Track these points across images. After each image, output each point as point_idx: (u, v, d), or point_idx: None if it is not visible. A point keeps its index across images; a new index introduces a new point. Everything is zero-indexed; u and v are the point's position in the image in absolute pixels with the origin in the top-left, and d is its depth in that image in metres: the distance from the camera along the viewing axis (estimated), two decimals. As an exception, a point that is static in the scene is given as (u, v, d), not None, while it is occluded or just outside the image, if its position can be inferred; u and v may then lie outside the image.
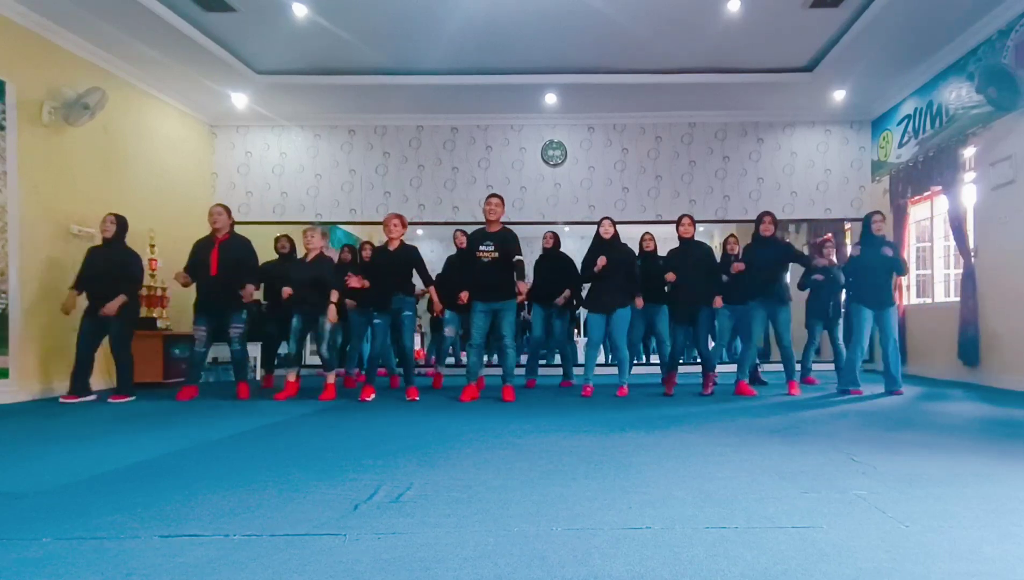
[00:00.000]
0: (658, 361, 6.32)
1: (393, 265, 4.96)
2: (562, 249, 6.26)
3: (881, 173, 7.64)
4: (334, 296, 5.05)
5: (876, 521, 1.82)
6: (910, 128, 7.00)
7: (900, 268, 5.21)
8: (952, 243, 6.37)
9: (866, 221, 5.31)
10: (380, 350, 5.03)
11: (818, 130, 7.98)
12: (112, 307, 4.92)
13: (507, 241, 4.92)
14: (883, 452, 2.81)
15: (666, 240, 5.85)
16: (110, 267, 5.01)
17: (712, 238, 8.81)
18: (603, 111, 7.84)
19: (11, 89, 5.09)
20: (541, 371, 6.54)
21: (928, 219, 7.11)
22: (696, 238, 5.43)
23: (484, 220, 5.08)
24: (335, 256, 6.37)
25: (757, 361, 6.18)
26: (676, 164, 8.00)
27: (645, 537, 1.69)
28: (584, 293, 5.87)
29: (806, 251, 7.21)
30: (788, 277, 5.50)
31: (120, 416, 4.20)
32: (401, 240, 5.04)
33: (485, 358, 6.40)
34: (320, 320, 5.14)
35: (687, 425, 3.65)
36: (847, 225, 8.19)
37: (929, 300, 7.10)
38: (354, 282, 4.98)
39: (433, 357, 7.37)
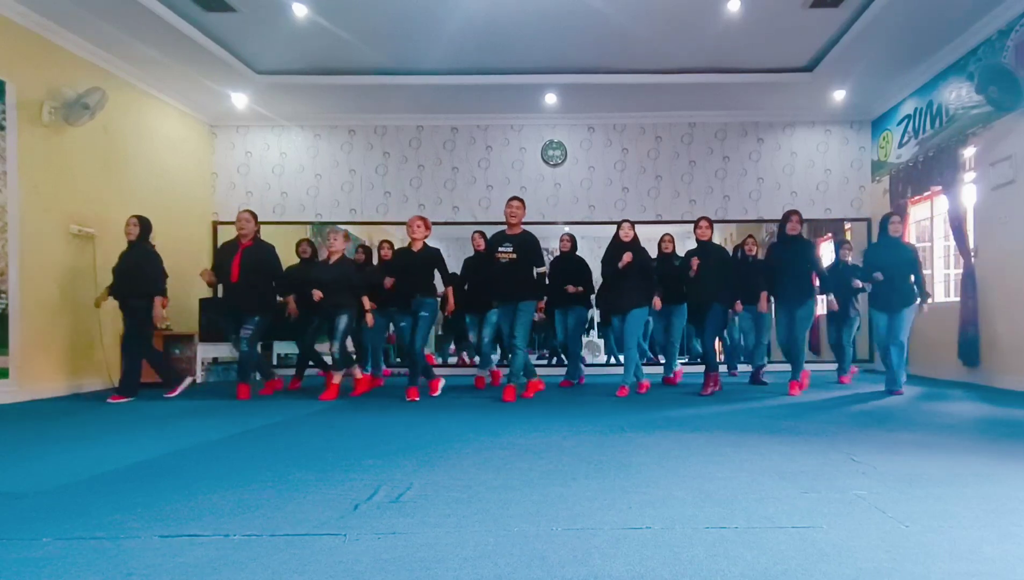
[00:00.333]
0: (664, 361, 6.41)
1: (416, 266, 5.00)
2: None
3: (881, 173, 7.64)
4: (367, 304, 5.15)
5: (876, 521, 1.82)
6: (910, 128, 7.00)
7: (919, 275, 5.18)
8: (952, 243, 6.37)
9: (884, 222, 5.31)
10: (411, 350, 5.05)
11: (818, 130, 7.98)
12: (159, 313, 5.10)
13: (527, 245, 5.00)
14: (883, 452, 2.81)
15: (650, 241, 5.87)
16: (128, 268, 5.11)
17: (713, 238, 8.79)
18: (603, 111, 7.83)
19: (11, 89, 5.09)
20: (543, 371, 6.55)
21: (928, 219, 7.11)
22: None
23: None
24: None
25: (765, 361, 6.23)
26: (676, 164, 7.99)
27: (645, 537, 1.69)
28: (595, 294, 5.99)
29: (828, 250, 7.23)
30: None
31: (120, 416, 4.21)
32: (424, 242, 5.08)
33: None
34: (338, 319, 5.15)
35: (687, 425, 3.65)
36: (847, 225, 8.19)
37: (929, 300, 7.09)
38: (388, 283, 5.14)
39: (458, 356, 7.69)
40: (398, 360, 8.13)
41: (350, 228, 8.85)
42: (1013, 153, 5.41)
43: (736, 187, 7.96)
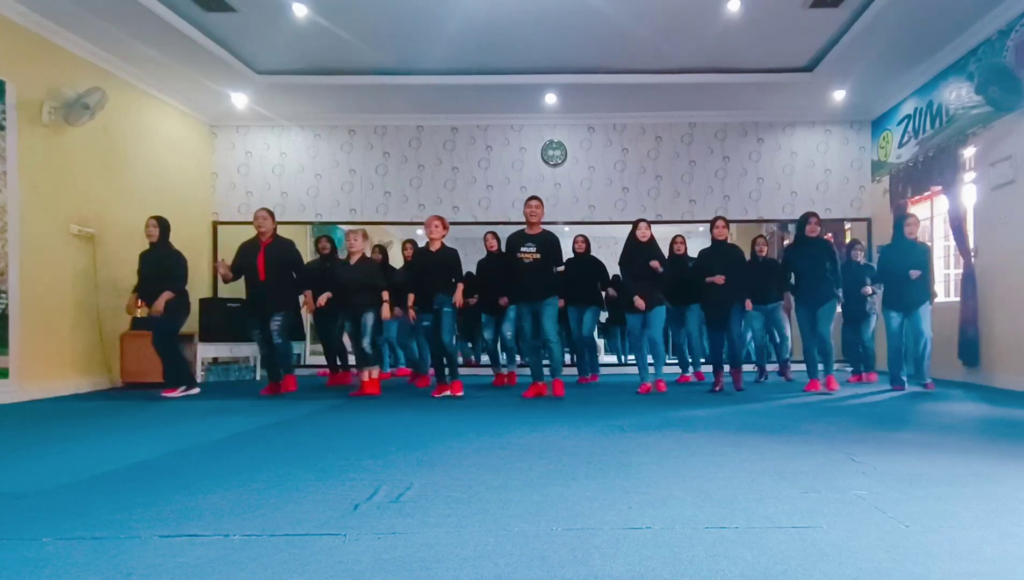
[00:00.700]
0: (676, 361, 6.53)
1: (435, 266, 5.02)
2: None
3: (881, 173, 7.64)
4: (385, 294, 5.25)
5: (876, 521, 1.82)
6: (910, 128, 7.00)
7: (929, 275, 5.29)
8: (952, 243, 6.37)
9: (898, 223, 5.38)
10: (440, 345, 5.08)
11: (818, 130, 7.98)
12: (158, 306, 5.09)
13: (550, 244, 5.01)
14: (883, 452, 2.81)
15: (663, 239, 5.88)
16: (153, 269, 5.19)
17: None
18: (603, 111, 7.83)
19: (11, 89, 5.09)
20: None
21: (928, 219, 7.10)
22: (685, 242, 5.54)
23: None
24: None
25: (789, 355, 6.33)
26: (676, 164, 8.00)
27: (645, 537, 1.69)
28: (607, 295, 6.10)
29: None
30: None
31: (120, 416, 4.21)
32: (442, 241, 5.09)
33: (518, 358, 6.63)
34: (363, 318, 5.22)
35: (687, 425, 3.65)
36: (847, 225, 8.19)
37: (935, 299, 7.09)
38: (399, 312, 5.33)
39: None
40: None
41: (350, 228, 8.89)
42: (1013, 153, 5.41)
43: (736, 187, 7.96)
